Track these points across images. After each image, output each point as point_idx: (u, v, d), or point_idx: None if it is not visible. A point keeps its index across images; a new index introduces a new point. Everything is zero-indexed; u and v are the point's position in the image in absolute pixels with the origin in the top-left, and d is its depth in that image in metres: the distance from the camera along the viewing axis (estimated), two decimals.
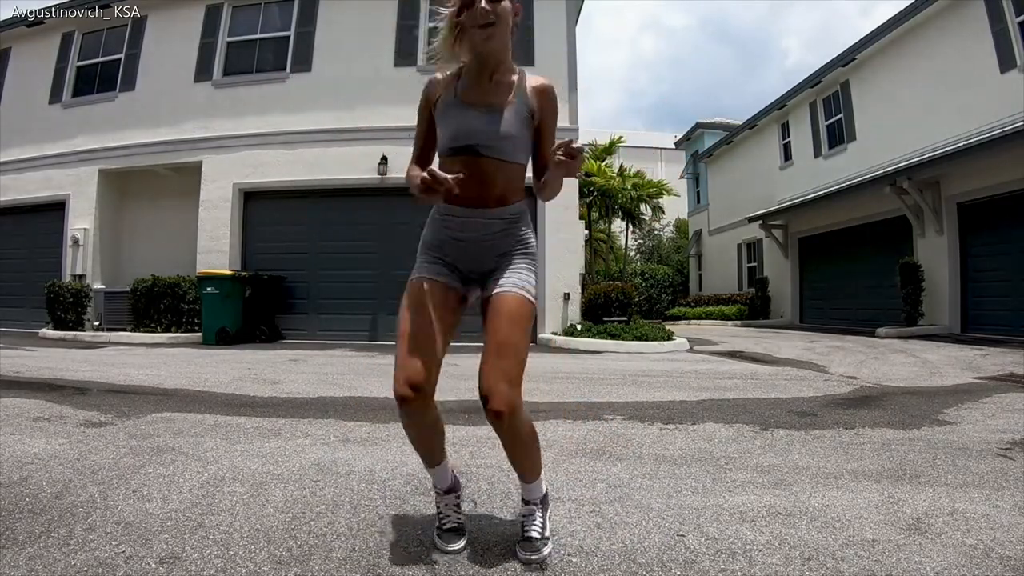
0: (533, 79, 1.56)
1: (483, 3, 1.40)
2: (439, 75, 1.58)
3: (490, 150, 1.47)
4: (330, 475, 2.15)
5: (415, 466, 2.28)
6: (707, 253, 20.68)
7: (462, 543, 1.54)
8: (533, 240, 1.62)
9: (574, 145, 1.38)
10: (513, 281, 1.50)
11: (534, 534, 1.52)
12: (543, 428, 3.00)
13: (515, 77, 1.53)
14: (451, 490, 1.61)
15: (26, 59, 11.18)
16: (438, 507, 1.61)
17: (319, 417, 3.23)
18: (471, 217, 1.51)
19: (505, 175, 1.51)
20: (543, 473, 1.62)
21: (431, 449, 1.55)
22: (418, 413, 1.44)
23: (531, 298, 1.53)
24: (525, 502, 1.60)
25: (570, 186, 9.39)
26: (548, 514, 1.63)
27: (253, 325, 8.65)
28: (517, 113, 1.49)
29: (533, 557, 1.47)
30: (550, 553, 1.50)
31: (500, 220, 1.53)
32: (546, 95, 1.55)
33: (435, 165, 1.49)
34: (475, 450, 2.54)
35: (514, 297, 1.48)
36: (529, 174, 1.61)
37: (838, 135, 13.63)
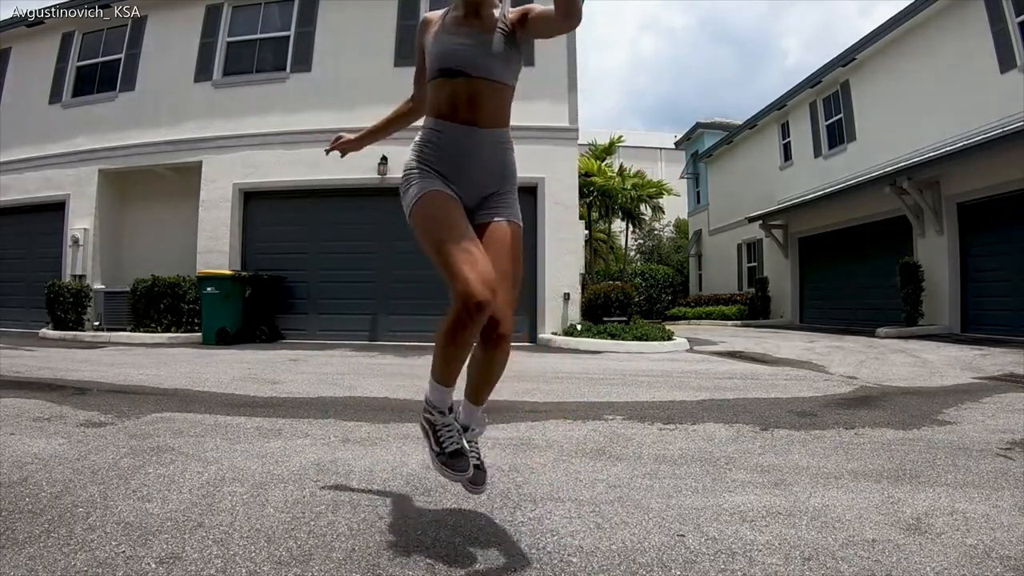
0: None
1: None
2: (430, 14, 1.69)
3: (476, 69, 1.53)
4: (330, 475, 2.15)
5: (415, 466, 2.28)
6: (707, 253, 20.68)
7: (471, 471, 1.51)
8: (516, 167, 1.67)
9: None
10: (506, 212, 1.58)
11: (475, 460, 1.60)
12: (543, 428, 3.00)
13: (498, 9, 1.59)
14: (452, 409, 1.57)
15: (26, 59, 11.18)
16: (437, 432, 1.52)
17: (319, 417, 3.23)
18: (464, 135, 1.54)
19: (493, 96, 1.55)
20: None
21: (459, 366, 1.53)
22: (483, 320, 1.41)
23: (521, 223, 1.63)
24: (466, 428, 1.62)
25: (570, 186, 9.39)
26: (479, 432, 1.69)
27: (253, 325, 8.65)
28: (502, 35, 1.55)
29: (480, 490, 1.63)
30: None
31: (491, 142, 1.57)
32: (521, 9, 1.58)
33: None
34: None
35: (508, 226, 1.57)
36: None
37: (838, 135, 13.63)
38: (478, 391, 1.61)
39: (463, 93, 1.53)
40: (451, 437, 1.52)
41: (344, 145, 1.92)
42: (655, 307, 19.02)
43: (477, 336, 1.47)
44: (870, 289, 11.88)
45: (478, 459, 1.62)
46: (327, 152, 1.94)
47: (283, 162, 9.59)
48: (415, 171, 1.57)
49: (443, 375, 1.52)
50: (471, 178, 1.56)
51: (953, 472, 2.21)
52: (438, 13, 1.65)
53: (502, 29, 1.56)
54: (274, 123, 9.68)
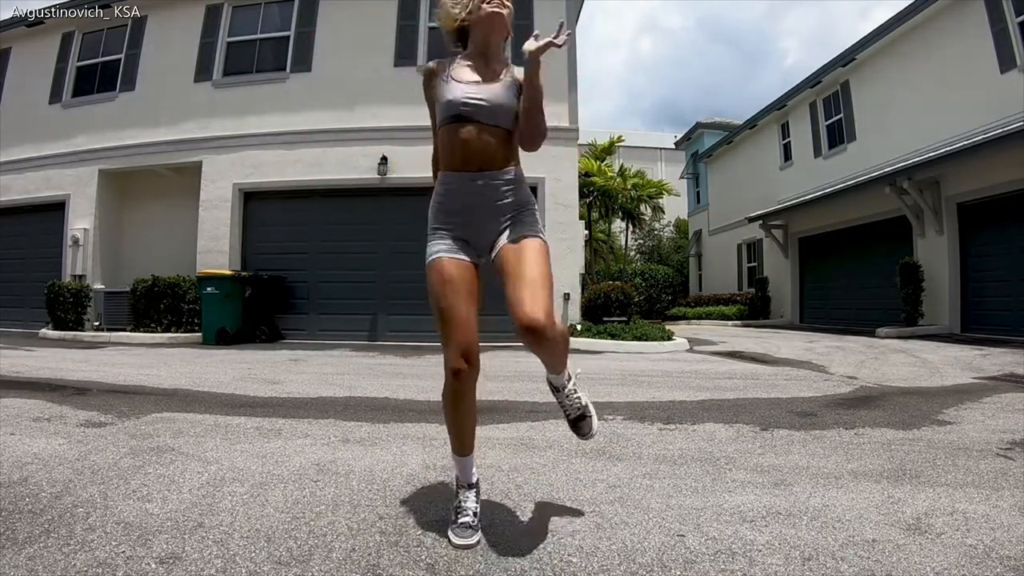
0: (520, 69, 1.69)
1: None
2: (432, 64, 1.73)
3: (480, 114, 1.60)
4: (330, 475, 2.15)
5: (415, 466, 2.29)
6: (707, 253, 20.69)
7: (476, 538, 1.56)
8: (535, 200, 1.75)
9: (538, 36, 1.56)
10: (526, 229, 1.65)
11: (574, 412, 1.80)
12: (543, 428, 3.00)
13: (505, 67, 1.70)
14: (473, 486, 1.69)
15: (26, 59, 11.18)
16: (459, 501, 1.65)
17: (319, 417, 3.23)
18: (477, 180, 1.63)
19: (501, 141, 1.64)
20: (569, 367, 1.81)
21: (467, 431, 1.66)
22: (470, 384, 1.56)
23: (545, 239, 1.68)
24: (556, 389, 1.80)
25: (570, 186, 9.40)
26: (575, 383, 1.83)
27: (253, 325, 8.65)
28: (506, 86, 1.65)
29: (589, 436, 1.84)
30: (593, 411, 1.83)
31: (503, 182, 1.65)
32: None
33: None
34: (476, 451, 2.54)
35: (531, 239, 1.63)
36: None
37: (838, 135, 13.63)
38: (549, 367, 1.74)
39: (474, 139, 1.61)
40: (467, 511, 1.62)
41: None
42: (655, 307, 19.01)
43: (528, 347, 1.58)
44: (870, 289, 11.88)
45: (579, 409, 1.79)
46: None
47: (283, 162, 9.60)
48: (431, 233, 1.68)
49: (454, 443, 1.68)
50: (483, 223, 1.65)
51: (953, 472, 2.21)
52: (442, 62, 1.71)
53: (510, 83, 1.66)
54: (274, 123, 9.68)
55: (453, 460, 1.71)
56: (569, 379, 1.81)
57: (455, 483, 1.71)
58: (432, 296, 1.60)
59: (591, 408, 1.82)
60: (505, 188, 1.65)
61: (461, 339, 1.53)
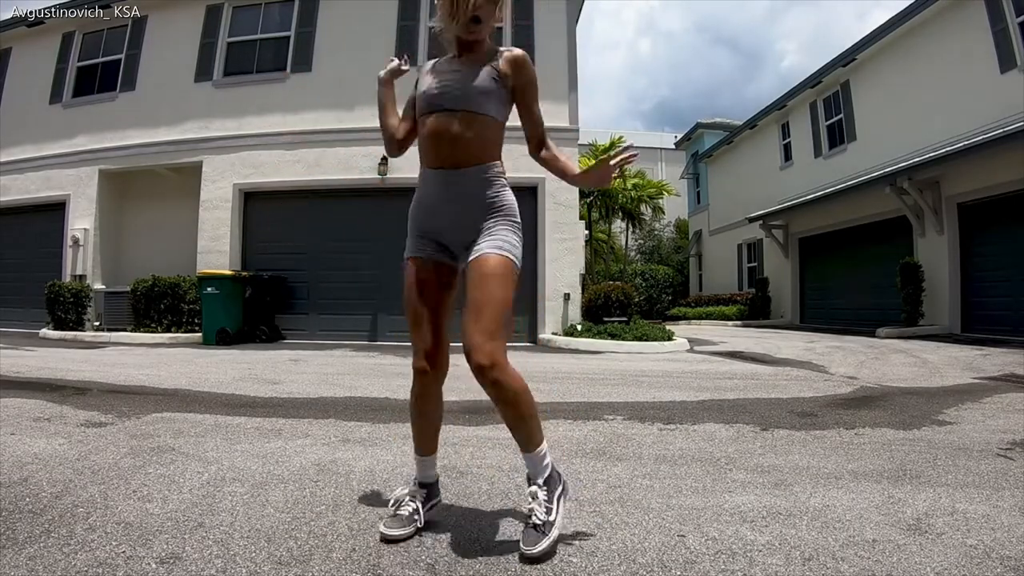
0: (506, 50, 1.62)
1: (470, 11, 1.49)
2: (426, 65, 1.69)
3: (458, 101, 1.53)
4: (330, 475, 2.15)
5: (415, 466, 2.28)
6: (707, 253, 20.69)
7: (403, 532, 1.54)
8: (513, 202, 1.63)
9: (623, 156, 1.59)
10: (491, 244, 1.53)
11: (534, 519, 1.46)
12: (543, 428, 3.00)
13: (482, 59, 1.59)
14: (425, 487, 1.66)
15: (26, 59, 11.19)
16: (405, 493, 1.63)
17: (319, 417, 3.23)
18: (449, 180, 1.55)
19: (477, 130, 1.54)
20: (546, 446, 1.59)
21: (428, 432, 1.67)
22: (433, 387, 1.60)
23: (510, 256, 1.54)
24: (528, 480, 1.58)
25: (570, 187, 9.38)
26: (558, 495, 1.52)
27: (253, 325, 8.65)
28: (486, 72, 1.56)
29: (528, 551, 1.39)
30: (554, 544, 1.43)
31: (475, 179, 1.56)
32: (515, 62, 1.59)
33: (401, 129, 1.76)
34: (475, 450, 2.54)
35: (491, 257, 1.51)
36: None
37: (838, 135, 13.64)
38: (514, 434, 1.58)
39: (444, 128, 1.53)
40: (404, 504, 1.61)
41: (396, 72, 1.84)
42: (655, 307, 19.02)
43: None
44: (870, 289, 11.88)
45: (539, 518, 1.46)
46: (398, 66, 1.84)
47: (283, 162, 9.60)
48: (410, 228, 1.65)
49: (414, 441, 1.70)
50: (455, 223, 1.57)
51: (953, 472, 2.21)
52: (431, 62, 1.68)
53: (490, 69, 1.57)
54: (274, 123, 9.68)
55: (414, 457, 1.72)
56: (546, 467, 1.55)
57: (412, 482, 1.69)
58: (406, 300, 1.61)
59: (552, 531, 1.45)
60: (478, 186, 1.55)
61: (421, 344, 1.57)
